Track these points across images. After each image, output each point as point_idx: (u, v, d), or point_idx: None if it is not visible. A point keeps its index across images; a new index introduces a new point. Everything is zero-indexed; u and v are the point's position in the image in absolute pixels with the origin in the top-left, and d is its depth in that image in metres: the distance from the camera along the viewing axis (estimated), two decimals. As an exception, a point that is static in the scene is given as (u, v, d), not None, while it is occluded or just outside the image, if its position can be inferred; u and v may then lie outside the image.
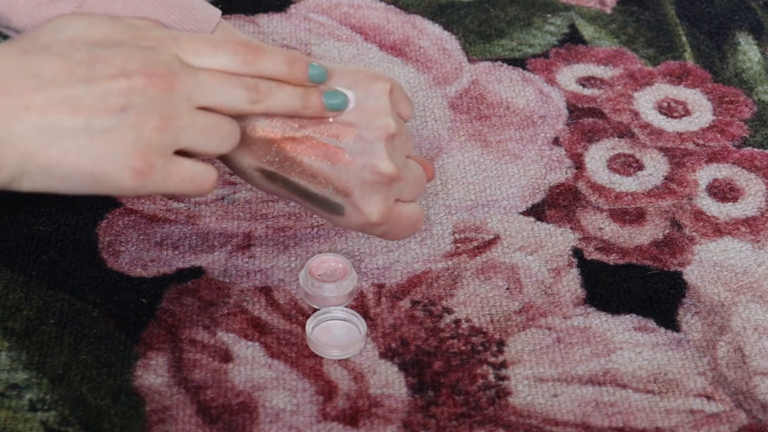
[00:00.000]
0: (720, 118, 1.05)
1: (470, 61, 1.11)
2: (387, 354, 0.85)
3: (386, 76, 0.80)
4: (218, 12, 0.77)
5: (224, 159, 0.80)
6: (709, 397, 0.83)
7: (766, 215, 0.96)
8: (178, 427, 0.80)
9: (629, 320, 0.88)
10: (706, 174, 1.00)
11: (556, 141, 1.03)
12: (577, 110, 1.06)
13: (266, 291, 0.89)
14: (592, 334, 0.87)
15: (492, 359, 0.85)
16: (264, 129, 0.78)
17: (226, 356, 0.84)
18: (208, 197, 0.96)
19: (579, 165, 1.00)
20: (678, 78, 1.09)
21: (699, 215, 0.96)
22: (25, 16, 0.73)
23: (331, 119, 0.78)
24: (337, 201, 0.80)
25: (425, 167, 0.85)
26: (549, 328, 0.87)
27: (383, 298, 0.89)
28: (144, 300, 0.88)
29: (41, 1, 0.73)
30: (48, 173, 0.66)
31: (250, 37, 0.78)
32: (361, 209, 0.80)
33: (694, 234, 0.95)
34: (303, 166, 0.79)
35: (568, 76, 1.09)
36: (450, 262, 0.92)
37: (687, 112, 1.06)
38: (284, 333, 0.86)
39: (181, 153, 0.71)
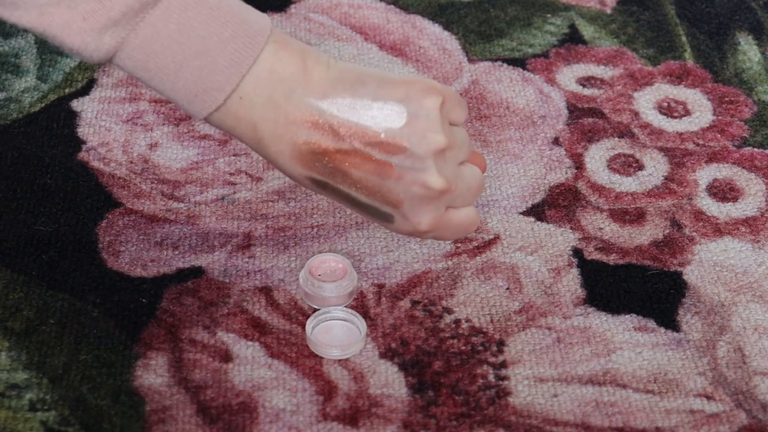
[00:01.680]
0: (720, 118, 1.05)
1: (470, 61, 1.11)
2: (387, 354, 0.85)
3: (439, 86, 0.79)
4: (268, 23, 0.77)
5: (274, 164, 0.80)
6: (709, 397, 0.83)
7: (766, 215, 0.96)
8: (178, 427, 0.80)
9: (629, 320, 0.88)
10: (706, 174, 1.00)
11: (556, 141, 1.03)
12: (577, 110, 1.06)
13: (266, 291, 0.89)
14: (592, 334, 0.87)
15: (492, 359, 0.85)
16: (315, 141, 0.78)
17: (226, 356, 0.84)
18: (208, 197, 0.96)
19: (579, 165, 1.00)
20: (678, 78, 1.09)
21: (699, 215, 0.96)
22: (77, 40, 0.74)
23: (382, 135, 0.78)
24: (386, 211, 0.80)
25: (477, 161, 0.84)
26: (549, 328, 0.87)
27: (383, 298, 0.89)
28: (144, 300, 0.88)
29: (94, 27, 0.73)
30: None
31: (344, 64, 0.80)
32: (410, 219, 0.80)
33: (694, 234, 0.95)
34: (353, 179, 0.79)
35: (568, 76, 1.09)
36: (450, 262, 0.92)
37: (687, 112, 1.06)
38: (284, 333, 0.86)
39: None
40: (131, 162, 0.99)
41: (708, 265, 0.92)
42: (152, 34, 0.74)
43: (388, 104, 0.78)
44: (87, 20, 0.73)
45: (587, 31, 1.15)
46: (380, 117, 0.78)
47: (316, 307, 0.88)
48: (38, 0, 0.72)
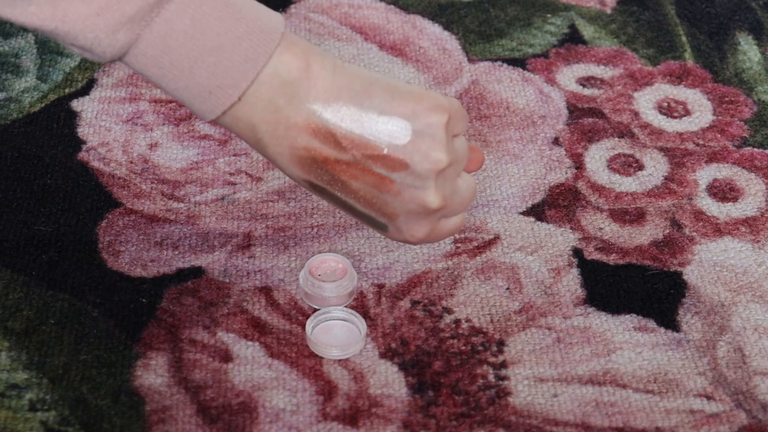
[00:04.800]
0: (720, 118, 1.05)
1: (470, 61, 1.11)
2: (387, 354, 0.85)
3: (446, 103, 0.78)
4: (281, 21, 0.76)
5: (273, 163, 0.79)
6: (709, 397, 0.83)
7: (766, 215, 0.96)
8: (178, 427, 0.80)
9: (629, 320, 0.88)
10: (706, 174, 1.00)
11: (556, 141, 1.03)
12: (577, 110, 1.06)
13: (266, 291, 0.89)
14: (592, 334, 0.87)
15: (492, 359, 0.85)
16: (316, 148, 0.77)
17: (226, 356, 0.84)
18: (208, 197, 0.96)
19: (579, 165, 1.00)
20: (678, 78, 1.09)
21: (699, 215, 0.96)
22: (90, 37, 0.73)
23: (385, 150, 0.77)
24: (382, 221, 0.80)
25: (476, 158, 0.84)
26: (549, 328, 0.87)
27: (383, 298, 0.89)
28: (144, 300, 0.88)
29: (109, 23, 0.72)
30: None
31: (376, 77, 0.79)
32: (404, 232, 0.80)
33: (694, 234, 0.95)
34: (351, 189, 0.78)
35: (568, 76, 1.09)
36: (450, 262, 0.92)
37: (687, 112, 1.06)
38: (284, 333, 0.86)
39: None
40: (131, 162, 0.99)
41: (708, 265, 0.92)
42: (167, 30, 0.73)
43: (393, 119, 0.76)
44: (101, 16, 0.72)
45: (587, 31, 1.15)
46: (385, 132, 0.76)
47: (316, 307, 0.88)
48: None
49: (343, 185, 0.78)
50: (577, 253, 0.93)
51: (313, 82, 0.76)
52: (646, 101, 1.07)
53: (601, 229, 0.95)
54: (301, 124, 0.76)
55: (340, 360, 0.84)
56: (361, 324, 0.86)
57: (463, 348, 0.85)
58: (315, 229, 0.94)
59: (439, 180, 0.78)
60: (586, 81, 1.09)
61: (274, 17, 0.76)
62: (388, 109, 0.77)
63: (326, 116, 0.76)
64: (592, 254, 0.93)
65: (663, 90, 1.08)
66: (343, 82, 0.77)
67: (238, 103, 0.75)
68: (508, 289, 0.90)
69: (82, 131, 1.02)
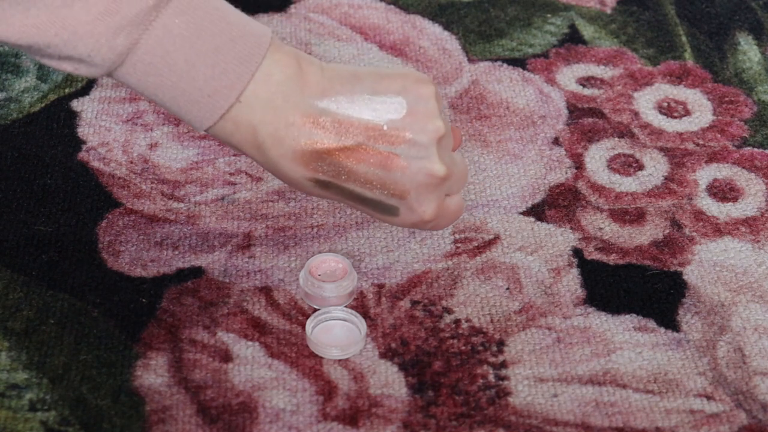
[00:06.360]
0: (720, 118, 1.05)
1: (470, 61, 1.11)
2: (387, 354, 0.85)
3: (428, 77, 0.81)
4: (267, 27, 0.78)
5: (275, 170, 0.80)
6: (709, 397, 0.83)
7: (766, 215, 0.96)
8: (178, 427, 0.80)
9: (629, 320, 0.88)
10: (706, 174, 1.00)
11: (556, 141, 1.03)
12: (577, 110, 1.06)
13: (266, 291, 0.89)
14: (592, 334, 0.87)
15: (492, 359, 0.85)
16: (318, 140, 0.78)
17: (226, 356, 0.84)
18: (208, 197, 0.96)
19: (579, 165, 1.00)
20: (678, 78, 1.09)
21: (699, 215, 0.96)
22: (90, 42, 0.73)
23: (385, 126, 0.78)
24: (391, 203, 0.81)
25: (454, 134, 0.86)
26: (549, 328, 0.87)
27: (383, 298, 0.89)
28: (144, 300, 0.88)
29: (110, 26, 0.73)
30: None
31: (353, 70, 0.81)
32: (416, 210, 0.81)
33: (694, 234, 0.95)
34: (358, 174, 0.79)
35: (568, 76, 1.09)
36: (450, 262, 0.92)
37: (687, 112, 1.06)
38: (284, 333, 0.86)
39: None
40: (131, 162, 0.99)
41: (708, 265, 0.92)
42: (165, 33, 0.74)
43: (386, 97, 0.79)
44: (101, 20, 0.72)
45: (587, 31, 1.15)
46: (381, 110, 0.78)
47: (316, 307, 0.88)
48: (52, 1, 0.72)
49: (350, 173, 0.79)
50: (577, 253, 0.93)
51: (305, 78, 0.78)
52: (646, 101, 1.07)
53: (601, 229, 0.95)
54: (300, 119, 0.77)
55: (340, 360, 0.84)
56: (361, 324, 0.86)
57: (463, 348, 0.85)
58: (315, 229, 0.94)
59: (440, 148, 0.80)
60: (586, 81, 1.09)
61: (259, 24, 0.78)
62: (380, 89, 0.79)
63: (323, 106, 0.78)
64: (592, 254, 0.93)
65: (663, 90, 1.08)
66: (331, 74, 0.79)
67: (237, 104, 0.76)
68: (508, 289, 0.90)
69: (82, 131, 1.02)
